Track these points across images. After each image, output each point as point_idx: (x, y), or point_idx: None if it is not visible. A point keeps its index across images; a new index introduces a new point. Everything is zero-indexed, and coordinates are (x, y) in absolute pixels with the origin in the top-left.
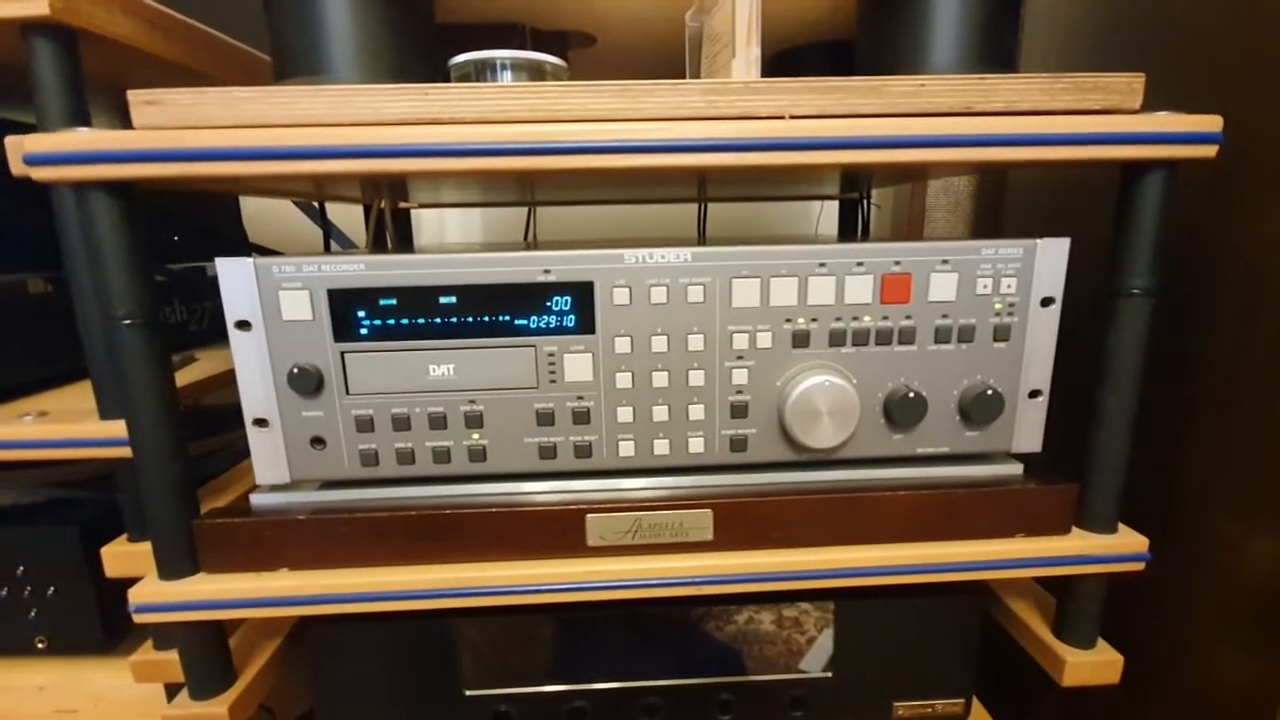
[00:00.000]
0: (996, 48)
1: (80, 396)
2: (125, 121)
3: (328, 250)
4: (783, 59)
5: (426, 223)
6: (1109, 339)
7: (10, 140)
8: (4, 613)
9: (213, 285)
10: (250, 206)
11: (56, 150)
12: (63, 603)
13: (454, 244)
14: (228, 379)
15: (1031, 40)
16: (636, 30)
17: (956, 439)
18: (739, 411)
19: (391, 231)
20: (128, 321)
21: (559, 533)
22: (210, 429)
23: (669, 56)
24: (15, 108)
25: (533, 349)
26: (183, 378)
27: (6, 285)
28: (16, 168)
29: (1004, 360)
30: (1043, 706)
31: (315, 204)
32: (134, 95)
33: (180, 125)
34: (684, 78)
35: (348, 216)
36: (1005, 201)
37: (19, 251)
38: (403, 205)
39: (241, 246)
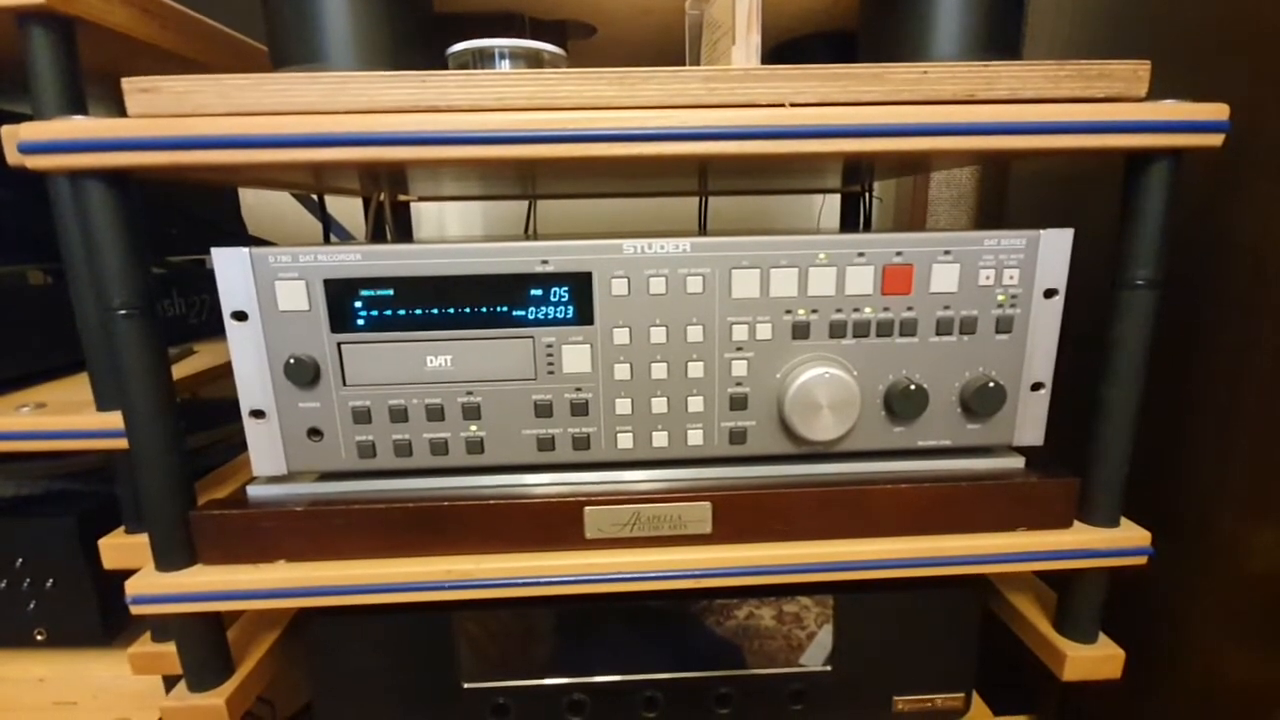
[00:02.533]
0: (1000, 35)
1: (78, 388)
2: (122, 111)
3: (327, 243)
4: (784, 49)
5: (426, 216)
6: (1113, 331)
7: (6, 129)
8: (3, 605)
9: (212, 278)
10: (250, 200)
11: (51, 138)
12: (62, 595)
13: (453, 238)
14: (226, 371)
15: (1039, 28)
16: (636, 20)
17: (958, 432)
18: (738, 403)
19: (391, 225)
20: (124, 312)
21: (557, 525)
22: (209, 422)
23: (669, 47)
24: (12, 99)
25: (531, 340)
26: (180, 370)
27: (5, 277)
28: (12, 157)
29: (1006, 352)
30: (1043, 701)
31: (314, 197)
32: (128, 83)
33: (175, 113)
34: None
35: (348, 209)
36: (1009, 195)
37: (18, 243)
38: (402, 198)
39: (241, 239)
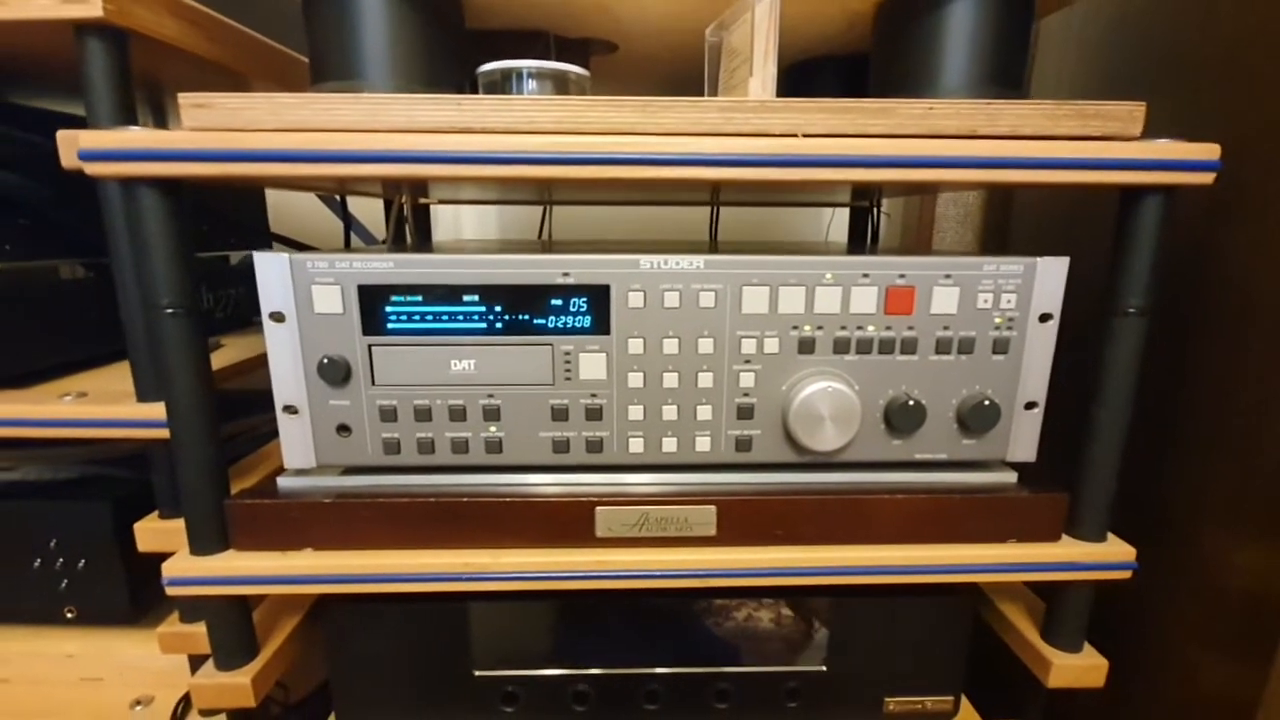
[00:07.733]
0: (1005, 71)
1: (113, 378)
2: (159, 115)
3: (348, 243)
4: (797, 71)
5: (444, 218)
6: (1103, 355)
7: (63, 135)
8: (36, 583)
9: (236, 274)
10: (272, 198)
11: (110, 147)
12: (93, 575)
13: (473, 242)
14: (251, 365)
15: (1044, 63)
16: (657, 40)
17: (954, 446)
18: (745, 413)
19: (411, 226)
20: (171, 310)
21: (569, 523)
22: (234, 414)
23: (687, 65)
24: (56, 98)
25: (550, 347)
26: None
27: (39, 271)
28: (68, 161)
29: (1002, 372)
30: (1029, 707)
31: (337, 198)
32: (185, 98)
33: (227, 127)
34: (701, 87)
35: (368, 210)
36: (1012, 215)
37: (56, 239)
38: (422, 201)
39: (264, 237)
